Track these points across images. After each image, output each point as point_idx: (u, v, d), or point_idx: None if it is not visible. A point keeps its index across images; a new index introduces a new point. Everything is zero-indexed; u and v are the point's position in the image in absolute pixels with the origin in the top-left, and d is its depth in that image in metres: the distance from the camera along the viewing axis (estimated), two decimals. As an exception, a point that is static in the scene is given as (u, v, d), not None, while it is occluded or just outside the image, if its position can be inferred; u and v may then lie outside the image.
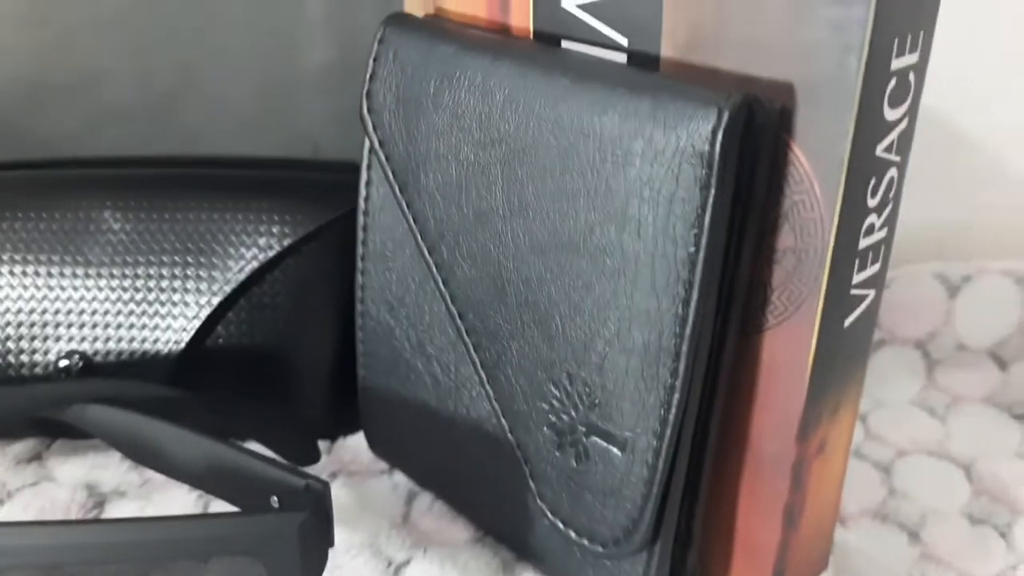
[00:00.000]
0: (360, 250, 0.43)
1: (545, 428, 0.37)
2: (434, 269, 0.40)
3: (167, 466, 0.41)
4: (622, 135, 0.32)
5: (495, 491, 0.41)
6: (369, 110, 0.40)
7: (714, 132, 0.30)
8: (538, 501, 0.38)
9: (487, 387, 0.39)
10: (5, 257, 0.47)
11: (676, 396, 0.33)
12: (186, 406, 0.45)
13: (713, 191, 0.31)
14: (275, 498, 0.38)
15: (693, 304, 0.32)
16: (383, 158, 0.40)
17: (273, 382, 0.49)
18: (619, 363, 0.34)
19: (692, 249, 0.31)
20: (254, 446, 0.43)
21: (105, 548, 0.33)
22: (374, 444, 0.47)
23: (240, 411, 0.47)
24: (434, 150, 0.38)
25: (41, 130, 0.52)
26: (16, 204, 0.48)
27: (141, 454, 0.43)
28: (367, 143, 0.42)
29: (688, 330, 0.32)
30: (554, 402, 0.37)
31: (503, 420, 0.39)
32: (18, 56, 0.50)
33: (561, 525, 0.38)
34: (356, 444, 0.49)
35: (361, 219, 0.43)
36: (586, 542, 0.37)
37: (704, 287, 0.32)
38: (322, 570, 0.37)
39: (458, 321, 0.39)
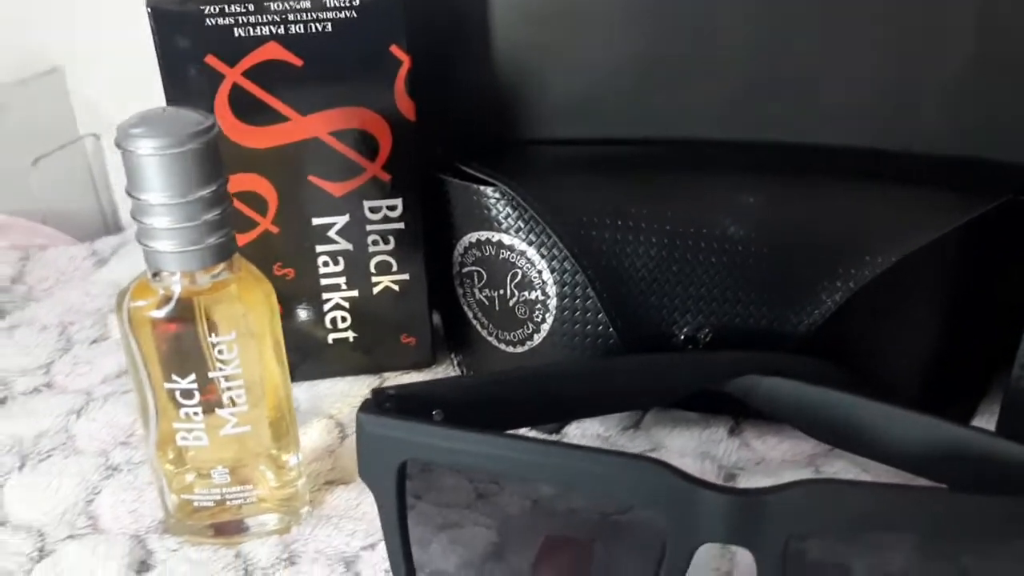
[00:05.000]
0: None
1: None
2: None
3: (870, 447, 0.40)
4: None
5: None
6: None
7: None
8: None
9: None
10: (643, 225, 0.47)
11: None
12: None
13: None
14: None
15: None
16: None
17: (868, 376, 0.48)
18: None
19: None
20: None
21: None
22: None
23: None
24: None
25: (659, 107, 0.52)
26: (653, 176, 0.50)
27: (831, 433, 0.42)
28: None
29: None
30: None
31: None
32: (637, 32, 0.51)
33: None
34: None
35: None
36: None
37: None
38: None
39: None
